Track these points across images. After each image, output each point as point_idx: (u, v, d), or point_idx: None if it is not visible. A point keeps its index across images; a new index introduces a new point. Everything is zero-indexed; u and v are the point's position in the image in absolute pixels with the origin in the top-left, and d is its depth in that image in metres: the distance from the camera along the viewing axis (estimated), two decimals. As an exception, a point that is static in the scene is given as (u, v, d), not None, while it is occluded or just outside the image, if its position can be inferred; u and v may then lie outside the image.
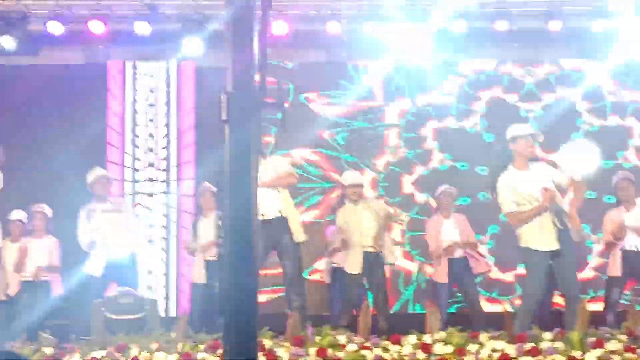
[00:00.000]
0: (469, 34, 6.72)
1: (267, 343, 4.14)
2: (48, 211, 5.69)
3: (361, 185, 5.74)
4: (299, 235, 5.02)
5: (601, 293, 6.22)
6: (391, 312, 6.11)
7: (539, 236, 4.35)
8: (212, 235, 5.34)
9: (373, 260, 5.45)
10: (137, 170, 6.94)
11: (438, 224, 5.84)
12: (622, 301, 5.71)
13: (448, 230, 5.69)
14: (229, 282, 0.97)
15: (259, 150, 1.22)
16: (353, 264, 5.46)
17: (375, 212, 5.54)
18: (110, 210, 5.56)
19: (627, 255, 5.45)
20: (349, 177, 5.77)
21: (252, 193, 1.04)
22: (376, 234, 5.44)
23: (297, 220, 5.20)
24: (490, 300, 6.74)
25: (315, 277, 6.74)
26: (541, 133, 4.77)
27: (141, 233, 6.11)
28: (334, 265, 5.85)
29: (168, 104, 7.12)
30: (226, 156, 1.06)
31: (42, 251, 5.62)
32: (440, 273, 5.86)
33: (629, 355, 3.96)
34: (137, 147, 7.01)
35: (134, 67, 7.07)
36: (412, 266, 7.06)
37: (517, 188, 4.38)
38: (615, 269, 5.56)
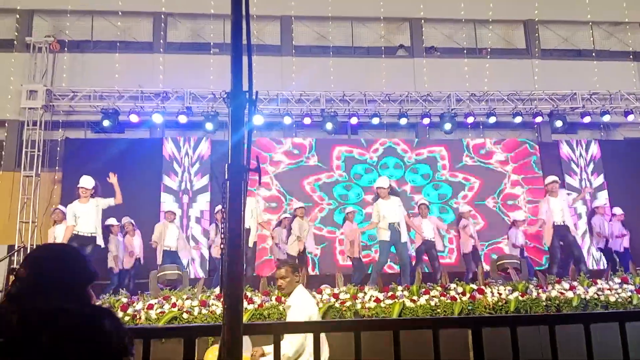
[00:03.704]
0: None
1: (249, 293, 6.29)
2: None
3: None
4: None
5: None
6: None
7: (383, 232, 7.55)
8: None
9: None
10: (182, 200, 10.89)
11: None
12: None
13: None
14: (228, 262, 1.62)
15: (245, 194, 1.88)
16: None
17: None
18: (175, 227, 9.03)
19: None
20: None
21: (241, 216, 1.71)
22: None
23: None
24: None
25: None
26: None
27: (183, 236, 9.46)
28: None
29: (196, 160, 11.41)
30: (228, 195, 1.72)
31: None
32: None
33: (442, 298, 6.17)
34: (180, 185, 11.09)
35: (177, 140, 11.16)
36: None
37: None
38: None
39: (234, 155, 1.84)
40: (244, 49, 1.99)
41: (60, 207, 8.60)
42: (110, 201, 7.44)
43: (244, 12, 2.00)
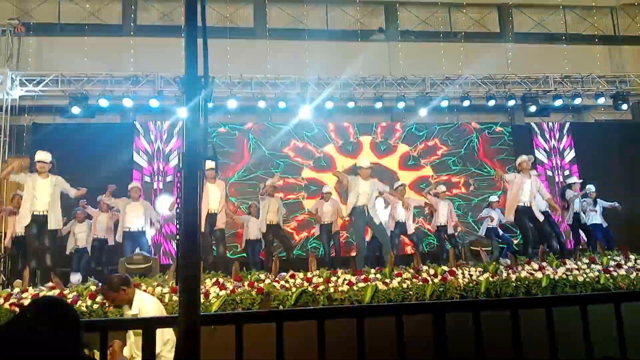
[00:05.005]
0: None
1: (221, 279, 5.97)
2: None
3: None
4: None
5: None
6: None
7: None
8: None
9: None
10: (150, 182, 10.85)
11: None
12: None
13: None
14: (183, 256, 1.67)
15: (201, 184, 1.83)
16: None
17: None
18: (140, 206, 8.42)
19: None
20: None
21: (197, 204, 1.72)
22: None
23: None
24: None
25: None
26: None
27: (153, 217, 8.78)
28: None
29: (166, 142, 11.21)
30: (183, 183, 1.75)
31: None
32: None
33: (414, 280, 6.07)
34: (150, 167, 10.99)
35: (148, 124, 10.94)
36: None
37: None
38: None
39: (189, 144, 1.77)
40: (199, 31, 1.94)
41: (19, 192, 7.84)
42: (71, 191, 6.92)
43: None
